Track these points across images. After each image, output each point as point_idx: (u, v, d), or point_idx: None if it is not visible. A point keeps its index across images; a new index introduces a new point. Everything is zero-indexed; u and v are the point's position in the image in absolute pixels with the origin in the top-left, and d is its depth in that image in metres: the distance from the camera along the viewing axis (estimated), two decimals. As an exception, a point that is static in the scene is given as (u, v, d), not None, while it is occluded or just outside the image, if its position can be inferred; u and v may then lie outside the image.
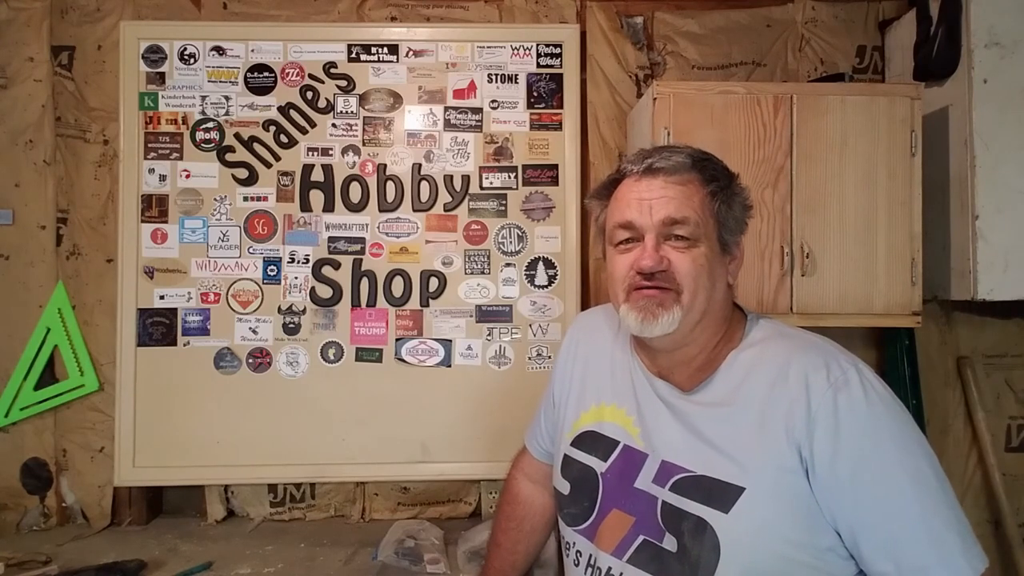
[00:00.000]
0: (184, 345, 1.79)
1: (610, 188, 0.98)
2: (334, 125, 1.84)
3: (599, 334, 1.10)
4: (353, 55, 1.84)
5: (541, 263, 1.84)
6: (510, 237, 1.84)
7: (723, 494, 0.84)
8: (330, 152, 1.83)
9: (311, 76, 1.83)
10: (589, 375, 1.08)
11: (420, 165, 1.84)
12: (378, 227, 1.83)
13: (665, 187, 0.91)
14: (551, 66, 1.86)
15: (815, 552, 0.82)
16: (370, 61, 1.84)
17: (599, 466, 0.98)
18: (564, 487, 1.02)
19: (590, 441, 1.02)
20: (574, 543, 1.00)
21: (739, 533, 0.82)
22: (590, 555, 0.96)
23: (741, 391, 0.89)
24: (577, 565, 0.99)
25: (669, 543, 0.87)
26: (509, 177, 1.85)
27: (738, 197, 0.96)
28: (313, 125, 1.83)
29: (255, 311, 1.81)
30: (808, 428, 0.82)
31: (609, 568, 0.92)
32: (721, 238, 0.93)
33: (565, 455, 1.04)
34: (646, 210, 0.91)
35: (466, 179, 1.84)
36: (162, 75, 1.82)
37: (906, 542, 0.78)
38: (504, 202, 1.84)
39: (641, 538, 0.90)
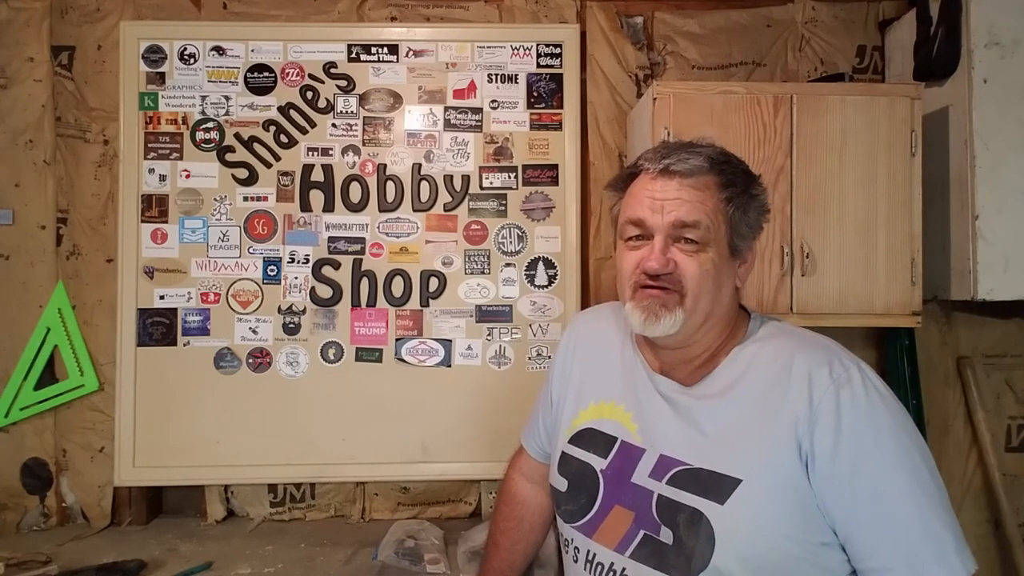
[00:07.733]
0: (184, 345, 1.79)
1: (627, 181, 0.97)
2: (334, 125, 1.84)
3: (604, 332, 1.10)
4: (353, 55, 1.84)
5: (541, 263, 1.84)
6: (510, 237, 1.84)
7: (720, 486, 0.85)
8: (330, 152, 1.83)
9: (311, 76, 1.83)
10: (589, 373, 1.08)
11: (420, 165, 1.84)
12: (378, 227, 1.83)
13: (680, 189, 0.90)
14: (551, 66, 1.86)
15: (810, 547, 0.83)
16: (370, 61, 1.84)
17: (599, 463, 0.99)
18: (561, 484, 1.03)
19: (588, 438, 1.02)
20: (572, 539, 1.00)
21: (734, 524, 0.83)
22: (588, 551, 0.96)
23: (741, 384, 0.90)
24: (576, 562, 0.99)
25: (665, 536, 0.88)
26: (509, 177, 1.85)
27: (754, 201, 0.94)
28: (313, 125, 1.83)
29: (255, 311, 1.81)
30: (810, 423, 0.83)
31: (612, 564, 0.93)
32: (732, 242, 0.92)
33: (563, 452, 1.05)
34: (658, 210, 0.90)
35: (466, 179, 1.84)
36: (162, 75, 1.82)
37: (902, 538, 0.79)
38: (504, 202, 1.84)
39: (642, 533, 0.90)
